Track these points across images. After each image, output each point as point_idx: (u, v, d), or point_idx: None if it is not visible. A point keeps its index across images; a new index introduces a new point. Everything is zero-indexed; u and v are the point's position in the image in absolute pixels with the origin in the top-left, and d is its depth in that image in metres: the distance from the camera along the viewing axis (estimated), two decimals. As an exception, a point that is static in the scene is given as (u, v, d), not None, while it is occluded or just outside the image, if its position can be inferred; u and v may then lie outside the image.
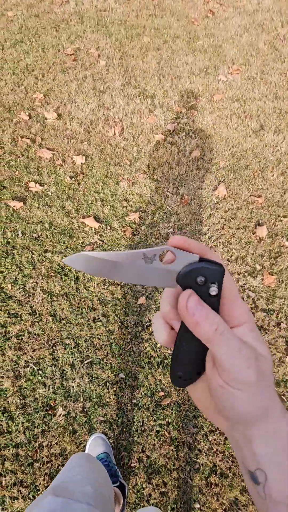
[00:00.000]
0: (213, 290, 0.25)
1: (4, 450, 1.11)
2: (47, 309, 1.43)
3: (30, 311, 1.41)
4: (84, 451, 1.15)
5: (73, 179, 1.95)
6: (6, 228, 1.65)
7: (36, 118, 2.23)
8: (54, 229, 1.71)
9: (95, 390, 1.27)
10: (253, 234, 1.87)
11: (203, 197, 1.99)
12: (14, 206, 1.73)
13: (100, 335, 1.40)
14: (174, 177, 2.06)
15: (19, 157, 2.00)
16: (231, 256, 1.76)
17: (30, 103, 2.32)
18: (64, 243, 1.66)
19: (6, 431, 1.14)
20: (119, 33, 3.00)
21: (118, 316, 1.46)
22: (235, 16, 3.39)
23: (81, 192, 1.90)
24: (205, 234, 1.84)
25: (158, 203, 1.93)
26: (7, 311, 1.39)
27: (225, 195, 2.02)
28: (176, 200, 1.96)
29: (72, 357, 1.33)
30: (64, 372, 1.29)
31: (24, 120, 2.20)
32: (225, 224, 1.89)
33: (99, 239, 1.71)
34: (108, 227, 1.77)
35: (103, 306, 1.48)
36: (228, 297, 0.26)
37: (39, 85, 2.44)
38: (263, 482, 0.25)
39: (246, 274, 1.70)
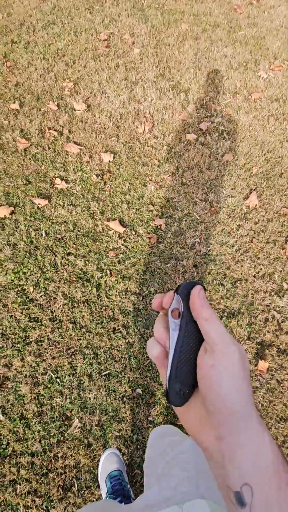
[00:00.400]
0: None
1: (20, 458, 1.12)
2: (67, 315, 1.41)
3: (50, 316, 1.40)
4: (98, 465, 1.15)
5: (99, 177, 1.89)
6: (30, 226, 1.62)
7: (64, 109, 2.15)
8: (78, 230, 1.67)
9: (112, 403, 1.26)
10: (283, 249, 1.78)
11: (233, 206, 1.90)
12: (39, 204, 1.69)
13: (119, 347, 1.38)
14: (204, 182, 1.97)
15: (46, 150, 1.94)
16: (257, 272, 1.69)
17: (59, 91, 2.24)
18: (87, 246, 1.62)
19: (22, 438, 1.15)
20: (155, 18, 2.82)
21: (139, 328, 1.43)
22: (281, 4, 3.13)
23: (107, 193, 1.84)
24: (232, 246, 1.76)
25: (186, 209, 1.85)
26: (28, 315, 1.38)
27: (256, 205, 1.92)
28: (205, 207, 1.87)
29: (90, 368, 1.31)
30: (82, 382, 1.29)
31: (53, 110, 2.13)
32: (254, 237, 1.80)
33: (123, 245, 1.66)
34: (133, 232, 1.71)
35: (124, 317, 1.45)
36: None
37: (69, 72, 2.34)
38: (249, 501, 0.24)
39: (272, 293, 1.63)
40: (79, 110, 2.18)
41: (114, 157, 1.98)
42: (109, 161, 1.96)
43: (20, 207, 1.67)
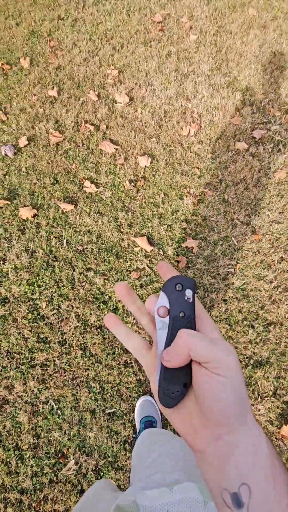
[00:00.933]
0: (189, 294, 0.30)
1: (9, 493, 1.05)
2: (78, 340, 1.30)
3: (60, 339, 1.29)
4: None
5: (132, 184, 1.72)
6: (52, 233, 1.51)
7: (105, 100, 1.96)
8: (102, 243, 1.53)
9: (112, 447, 1.16)
10: None
11: (278, 234, 1.66)
12: (64, 209, 1.56)
13: (128, 384, 1.26)
14: (248, 201, 1.74)
15: (79, 146, 1.78)
16: (296, 317, 1.47)
17: (102, 79, 2.04)
18: (109, 262, 1.48)
19: (14, 471, 1.09)
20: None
21: (152, 365, 1.30)
22: None
23: (138, 203, 1.67)
24: (271, 282, 1.55)
25: (223, 232, 1.65)
26: (37, 334, 1.28)
27: (306, 236, 1.67)
28: (245, 231, 1.65)
29: (94, 403, 1.21)
30: (83, 418, 1.19)
31: (92, 101, 1.95)
32: (297, 275, 1.57)
33: (148, 266, 1.50)
34: (161, 252, 1.55)
35: (137, 350, 1.32)
36: (198, 314, 0.31)
37: (115, 58, 2.13)
38: (247, 501, 0.24)
39: (310, 345, 1.42)
40: (121, 103, 1.98)
41: (151, 162, 1.79)
42: (145, 166, 1.77)
43: (44, 210, 1.56)
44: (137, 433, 1.17)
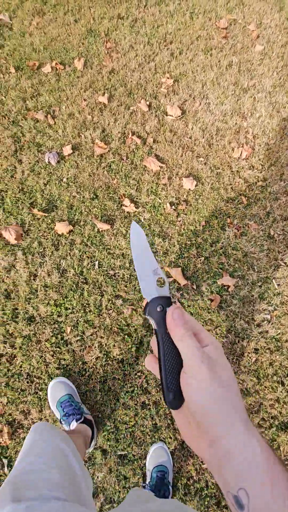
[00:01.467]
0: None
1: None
2: (98, 372, 1.26)
3: (80, 368, 1.26)
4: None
5: (173, 207, 1.62)
6: (85, 252, 1.46)
7: (155, 111, 1.86)
8: (134, 270, 1.47)
9: (119, 492, 1.12)
10: None
11: None
12: (100, 228, 1.51)
13: (144, 428, 1.21)
14: (296, 242, 1.59)
15: (123, 160, 1.71)
16: None
17: (155, 88, 1.93)
18: (139, 292, 1.42)
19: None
20: (294, 5, 2.25)
21: (170, 411, 1.24)
22: None
23: (176, 229, 1.57)
24: (310, 336, 1.42)
25: (264, 272, 1.52)
26: (59, 360, 1.26)
27: None
28: (289, 275, 1.52)
29: (107, 443, 1.17)
30: (94, 457, 1.16)
31: (142, 111, 1.85)
32: None
33: (179, 301, 1.43)
34: (194, 287, 1.46)
35: (157, 391, 1.26)
36: (193, 327, 0.34)
37: (172, 65, 2.00)
38: (246, 503, 0.26)
39: None
40: (171, 116, 1.86)
41: (196, 185, 1.68)
42: (189, 189, 1.67)
43: (79, 226, 1.51)
44: (147, 482, 1.12)
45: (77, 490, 0.60)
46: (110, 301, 1.38)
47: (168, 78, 1.96)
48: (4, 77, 1.86)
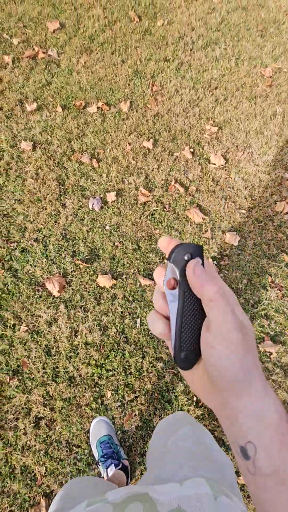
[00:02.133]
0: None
1: None
2: (137, 444, 1.22)
3: (120, 437, 1.22)
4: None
5: (215, 262, 1.60)
6: (127, 308, 1.43)
7: (199, 159, 1.85)
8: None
9: None
10: None
11: None
12: (142, 282, 1.48)
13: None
14: None
15: (165, 209, 1.69)
16: None
17: (199, 135, 1.92)
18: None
19: None
20: None
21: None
22: None
23: (219, 286, 1.54)
24: None
25: (307, 339, 1.48)
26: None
27: None
28: None
29: None
30: None
31: (185, 158, 1.84)
32: None
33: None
34: (236, 352, 1.42)
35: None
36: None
37: (216, 111, 2.00)
38: (252, 456, 0.27)
39: None
40: (214, 164, 1.85)
41: (239, 240, 1.65)
42: (232, 244, 1.64)
43: (122, 280, 1.49)
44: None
45: None
46: (151, 364, 1.34)
47: (212, 125, 1.95)
48: (50, 116, 1.87)
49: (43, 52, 2.07)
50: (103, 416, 1.24)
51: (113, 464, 1.10)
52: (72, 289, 1.44)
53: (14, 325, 1.35)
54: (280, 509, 0.26)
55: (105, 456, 1.12)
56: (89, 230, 1.59)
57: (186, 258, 0.30)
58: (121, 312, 1.42)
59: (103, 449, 1.14)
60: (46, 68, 2.02)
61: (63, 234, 1.56)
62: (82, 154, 1.77)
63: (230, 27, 2.30)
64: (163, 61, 2.12)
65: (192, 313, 0.30)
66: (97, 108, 1.93)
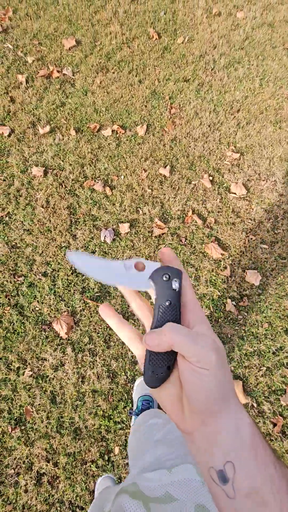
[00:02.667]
0: (175, 284, 0.31)
1: None
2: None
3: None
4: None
5: (233, 302, 1.49)
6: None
7: (218, 187, 1.75)
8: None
9: None
10: None
11: None
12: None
13: None
14: None
15: (181, 242, 1.59)
16: None
17: (219, 161, 1.82)
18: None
19: None
20: None
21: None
22: None
23: (237, 329, 1.44)
24: None
25: None
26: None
27: None
28: None
29: None
30: None
31: (204, 187, 1.74)
32: None
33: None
34: (255, 404, 1.31)
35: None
36: (189, 303, 0.32)
37: (238, 136, 1.89)
38: (231, 477, 0.26)
39: None
40: (235, 194, 1.74)
41: (261, 280, 1.54)
42: (253, 284, 1.53)
43: (133, 321, 1.40)
44: (134, 410, 1.22)
45: None
46: (163, 417, 1.25)
47: (233, 151, 1.85)
48: (63, 139, 1.80)
49: (58, 71, 2.01)
50: (110, 475, 1.16)
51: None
52: (81, 329, 1.36)
53: (18, 368, 1.28)
54: None
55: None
56: (100, 264, 1.50)
57: (164, 278, 0.32)
58: (132, 357, 1.33)
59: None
60: (61, 88, 1.96)
61: (73, 268, 1.48)
62: (95, 180, 1.70)
63: (255, 45, 2.18)
64: (182, 82, 2.03)
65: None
66: (112, 131, 1.85)
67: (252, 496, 0.26)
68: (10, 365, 1.27)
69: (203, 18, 2.27)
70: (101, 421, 1.21)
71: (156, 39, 2.18)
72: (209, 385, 0.28)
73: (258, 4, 2.35)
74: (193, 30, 2.23)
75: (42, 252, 1.51)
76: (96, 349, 1.33)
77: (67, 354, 1.30)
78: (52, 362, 1.28)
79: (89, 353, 1.32)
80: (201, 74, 2.06)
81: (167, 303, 0.31)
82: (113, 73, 2.05)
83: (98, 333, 1.36)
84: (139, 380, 1.29)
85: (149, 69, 2.08)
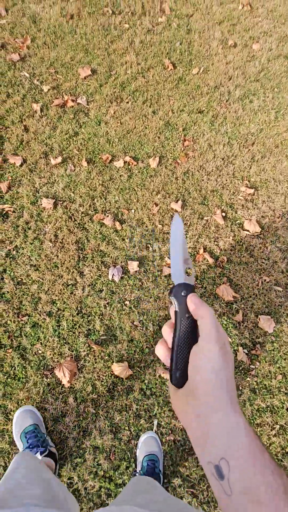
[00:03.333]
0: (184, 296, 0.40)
1: None
2: None
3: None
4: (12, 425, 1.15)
5: (245, 350, 1.41)
6: (143, 406, 1.26)
7: (231, 224, 1.69)
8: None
9: None
10: None
11: None
12: (162, 374, 1.32)
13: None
14: None
15: (196, 282, 1.53)
16: None
17: (232, 196, 1.77)
18: (197, 468, 1.19)
19: None
20: None
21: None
22: None
23: (249, 381, 1.35)
24: None
25: None
26: None
27: None
28: None
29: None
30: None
31: (216, 223, 1.69)
32: None
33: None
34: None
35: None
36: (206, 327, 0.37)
37: (252, 170, 1.84)
38: (226, 473, 0.28)
39: None
40: (248, 231, 1.68)
41: (275, 326, 1.46)
42: (266, 331, 1.45)
43: (139, 369, 1.33)
44: (138, 470, 1.14)
45: (60, 506, 0.71)
46: (170, 484, 1.16)
47: (247, 185, 1.80)
48: (75, 170, 1.78)
49: (72, 100, 2.01)
50: (29, 405, 1.20)
51: (38, 452, 1.05)
52: (84, 377, 1.29)
53: (17, 417, 1.22)
54: None
55: (30, 446, 1.08)
56: (106, 304, 1.45)
57: (182, 294, 0.40)
58: (136, 410, 1.26)
59: (28, 439, 1.09)
60: (74, 117, 1.95)
61: (79, 308, 1.43)
62: (105, 214, 1.66)
63: (270, 76, 2.16)
64: (196, 113, 2.00)
65: (187, 337, 0.38)
66: (124, 162, 1.82)
67: (248, 494, 0.27)
68: (8, 415, 1.21)
69: (219, 49, 2.26)
70: (102, 482, 1.13)
71: (171, 69, 2.17)
72: (206, 370, 0.32)
73: (274, 36, 2.34)
74: (209, 61, 2.22)
75: (48, 289, 1.46)
76: (99, 400, 1.26)
77: (68, 404, 1.23)
78: (52, 413, 1.22)
79: (92, 404, 1.25)
80: (216, 106, 2.04)
81: (186, 315, 0.39)
82: (127, 103, 2.04)
83: (102, 381, 1.29)
84: (144, 437, 1.19)
85: (163, 99, 2.06)
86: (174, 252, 0.44)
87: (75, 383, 1.28)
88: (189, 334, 0.38)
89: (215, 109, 2.03)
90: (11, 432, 1.18)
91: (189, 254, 0.49)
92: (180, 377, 0.37)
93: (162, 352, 0.40)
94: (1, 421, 1.19)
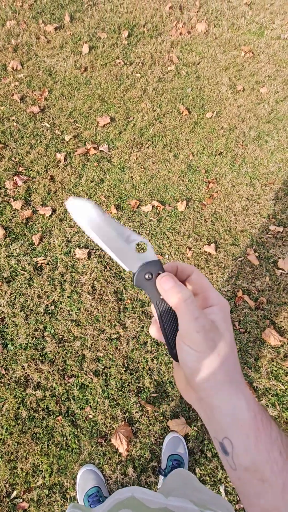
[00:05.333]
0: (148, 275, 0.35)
1: None
2: None
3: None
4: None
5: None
6: (207, 470, 1.19)
7: (265, 264, 1.69)
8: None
9: None
10: None
11: None
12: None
13: None
14: None
15: (235, 327, 1.50)
16: None
17: (262, 236, 1.79)
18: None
19: None
20: None
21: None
22: None
23: None
24: None
25: None
26: None
27: None
28: None
29: None
30: None
31: (251, 264, 1.69)
32: None
33: None
34: None
35: None
36: (201, 285, 0.35)
37: (277, 208, 1.88)
38: (230, 451, 0.28)
39: None
40: (283, 270, 1.69)
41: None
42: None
43: (197, 427, 1.26)
44: (163, 469, 1.13)
45: None
46: None
47: (274, 223, 1.83)
48: (104, 217, 1.78)
49: (94, 148, 2.06)
50: (90, 465, 1.16)
51: None
52: (140, 442, 1.22)
53: (74, 497, 1.12)
54: (264, 503, 0.27)
55: None
56: (154, 358, 1.40)
57: (147, 277, 0.34)
58: (200, 475, 1.18)
59: (91, 503, 1.06)
60: (99, 165, 1.99)
61: (126, 364, 1.37)
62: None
63: (281, 117, 2.27)
64: (216, 155, 2.07)
65: (171, 318, 0.35)
66: (152, 207, 1.84)
67: (252, 471, 0.27)
68: (65, 493, 1.11)
69: (228, 93, 2.39)
70: None
71: (186, 114, 2.27)
72: (190, 359, 0.30)
73: (278, 79, 2.49)
74: (220, 105, 2.33)
75: (92, 345, 1.41)
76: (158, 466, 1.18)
77: (128, 476, 1.15)
78: (112, 488, 1.13)
79: (153, 474, 1.17)
80: (233, 147, 2.12)
81: (161, 297, 0.34)
82: (148, 147, 2.10)
83: (160, 445, 1.22)
84: (169, 438, 1.21)
85: (182, 143, 2.13)
86: (106, 240, 0.33)
87: (132, 450, 1.20)
88: (171, 316, 0.34)
89: (233, 150, 2.10)
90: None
91: (128, 228, 0.42)
92: (177, 354, 0.34)
93: (154, 332, 0.38)
94: (58, 501, 1.10)
